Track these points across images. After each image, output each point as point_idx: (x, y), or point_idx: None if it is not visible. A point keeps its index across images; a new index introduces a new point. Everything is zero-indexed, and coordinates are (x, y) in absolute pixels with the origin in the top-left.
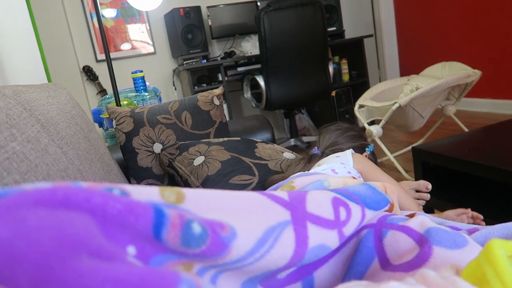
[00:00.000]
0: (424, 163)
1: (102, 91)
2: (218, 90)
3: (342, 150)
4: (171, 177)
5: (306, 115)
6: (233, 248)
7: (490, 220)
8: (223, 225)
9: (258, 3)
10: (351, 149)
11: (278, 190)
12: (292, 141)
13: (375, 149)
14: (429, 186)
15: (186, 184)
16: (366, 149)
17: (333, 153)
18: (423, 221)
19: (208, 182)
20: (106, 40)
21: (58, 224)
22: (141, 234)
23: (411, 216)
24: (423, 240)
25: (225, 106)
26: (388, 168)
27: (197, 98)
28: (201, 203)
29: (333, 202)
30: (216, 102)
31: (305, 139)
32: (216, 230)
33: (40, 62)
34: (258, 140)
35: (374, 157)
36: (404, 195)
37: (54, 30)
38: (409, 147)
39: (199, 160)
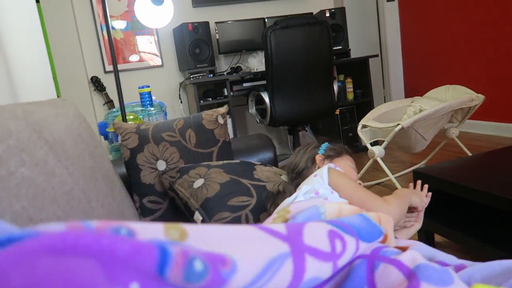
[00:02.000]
0: None
1: (109, 102)
2: (223, 109)
3: (302, 168)
4: (172, 199)
5: (310, 132)
6: (232, 283)
7: (490, 247)
8: (224, 259)
9: (266, 20)
10: (327, 165)
11: (274, 217)
12: None
13: (375, 167)
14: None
15: (186, 206)
16: (319, 151)
17: (297, 176)
18: (415, 257)
19: (207, 204)
20: (115, 55)
21: (66, 273)
22: (145, 272)
23: (404, 248)
24: (412, 275)
25: (229, 120)
26: (389, 188)
27: (202, 116)
28: (204, 238)
29: (329, 234)
30: (221, 120)
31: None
32: (217, 266)
33: (50, 74)
34: (257, 163)
35: (334, 152)
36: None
37: (64, 39)
38: (411, 168)
39: (198, 182)
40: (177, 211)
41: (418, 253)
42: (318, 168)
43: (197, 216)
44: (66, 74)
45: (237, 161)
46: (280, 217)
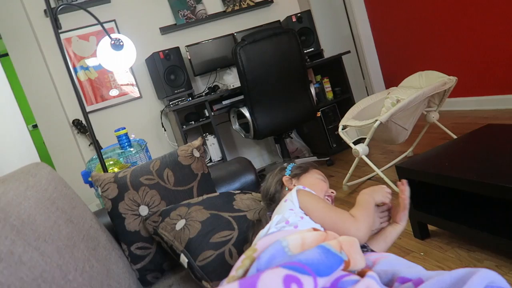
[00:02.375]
0: (409, 180)
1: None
2: (197, 142)
3: (273, 193)
4: (159, 243)
5: (296, 137)
6: None
7: (479, 231)
8: None
9: (235, 35)
10: (296, 188)
11: (242, 259)
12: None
13: (365, 162)
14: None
15: (171, 249)
16: (285, 173)
17: (271, 201)
18: (369, 285)
19: (190, 245)
20: (83, 102)
21: None
22: None
23: (364, 272)
24: None
25: (215, 140)
26: (380, 182)
27: (177, 153)
28: None
29: (285, 280)
30: (196, 154)
31: (298, 161)
32: None
33: (27, 134)
34: (236, 192)
35: (301, 170)
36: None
37: (40, 88)
38: (400, 157)
39: (180, 224)
40: (166, 254)
41: (373, 280)
42: (288, 189)
43: (183, 258)
44: (47, 121)
45: (217, 194)
46: (247, 257)
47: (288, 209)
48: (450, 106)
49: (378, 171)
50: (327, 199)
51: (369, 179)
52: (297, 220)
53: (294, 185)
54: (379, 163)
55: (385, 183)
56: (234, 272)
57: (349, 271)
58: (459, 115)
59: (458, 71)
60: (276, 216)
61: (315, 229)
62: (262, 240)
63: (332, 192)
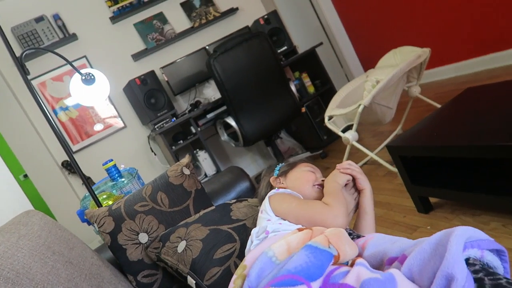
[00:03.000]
0: (402, 157)
1: (87, 179)
2: (186, 160)
3: (264, 195)
4: (164, 268)
5: (286, 136)
6: None
7: (480, 194)
8: None
9: (207, 48)
10: (267, 197)
11: (234, 279)
12: None
13: (357, 149)
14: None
15: (177, 273)
16: (274, 173)
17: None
18: (359, 274)
19: (195, 266)
20: (67, 145)
21: None
22: None
23: (353, 262)
24: None
25: (206, 155)
26: (376, 165)
27: (167, 174)
28: None
29: None
30: (186, 172)
31: (292, 159)
32: None
33: (17, 187)
34: (232, 201)
35: (288, 167)
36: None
37: (23, 138)
38: (391, 136)
39: (181, 246)
40: (174, 276)
41: (362, 267)
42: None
43: (190, 280)
44: (37, 168)
45: (213, 207)
46: (238, 277)
47: (266, 220)
48: (430, 78)
49: (371, 155)
50: (318, 187)
51: (364, 164)
52: (277, 227)
53: (282, 183)
54: (372, 146)
55: (380, 165)
56: None
57: (340, 264)
58: (440, 85)
59: (431, 41)
60: (254, 229)
61: (300, 229)
62: (249, 255)
63: (322, 180)
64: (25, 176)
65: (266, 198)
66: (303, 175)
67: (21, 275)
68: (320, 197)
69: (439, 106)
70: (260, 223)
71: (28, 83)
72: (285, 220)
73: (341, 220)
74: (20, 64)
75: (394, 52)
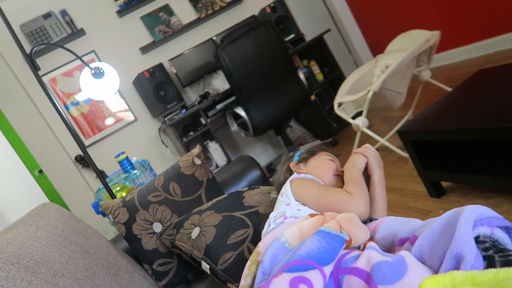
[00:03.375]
0: (413, 142)
1: (100, 172)
2: (196, 150)
3: (283, 181)
4: (179, 255)
5: (296, 125)
6: None
7: (492, 176)
8: None
9: (214, 38)
10: (288, 180)
11: (248, 265)
12: None
13: (368, 135)
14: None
15: (192, 258)
16: (294, 159)
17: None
18: (370, 257)
19: (209, 251)
20: (80, 140)
21: None
22: None
23: (364, 247)
24: (369, 280)
25: (217, 146)
26: (387, 151)
27: (179, 165)
28: None
29: (291, 284)
30: (197, 162)
31: (303, 147)
32: None
33: (31, 178)
34: (244, 189)
35: (308, 154)
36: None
37: (37, 134)
38: (402, 122)
39: (195, 232)
40: (188, 264)
41: (373, 251)
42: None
43: (204, 265)
44: (51, 163)
45: (225, 195)
46: (253, 263)
47: (285, 204)
48: (440, 61)
49: (382, 140)
50: (338, 177)
51: (376, 149)
52: (295, 212)
53: (302, 169)
54: (382, 132)
55: (391, 151)
56: (243, 281)
57: (352, 248)
58: (450, 68)
59: (440, 24)
60: (272, 213)
61: (312, 215)
62: (263, 241)
63: (341, 171)
64: (40, 171)
65: (288, 181)
66: (324, 163)
67: (40, 264)
68: (340, 186)
69: (450, 89)
70: (278, 207)
71: (39, 79)
72: (304, 206)
73: (363, 209)
74: (31, 60)
75: (403, 36)
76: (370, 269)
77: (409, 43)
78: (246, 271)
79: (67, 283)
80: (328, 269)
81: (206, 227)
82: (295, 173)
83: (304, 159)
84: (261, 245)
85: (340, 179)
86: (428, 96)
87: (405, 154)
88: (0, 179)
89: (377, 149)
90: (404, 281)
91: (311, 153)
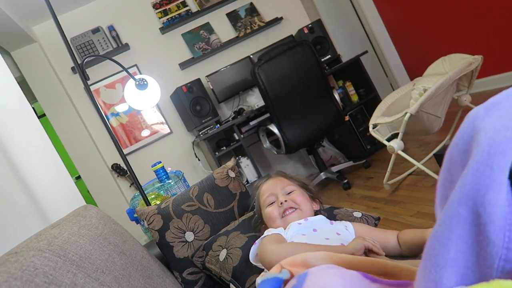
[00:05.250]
0: None
1: (133, 183)
2: (231, 163)
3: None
4: (209, 275)
5: (328, 145)
6: None
7: None
8: None
9: (251, 57)
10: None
11: None
12: (323, 175)
13: (403, 158)
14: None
15: (221, 280)
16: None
17: None
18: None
19: (236, 274)
20: (120, 146)
21: None
22: None
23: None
24: None
25: (248, 162)
26: (422, 175)
27: (213, 176)
28: None
29: None
30: (232, 174)
31: (334, 168)
32: None
33: (71, 182)
34: None
35: (257, 203)
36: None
37: (78, 141)
38: (439, 147)
39: (223, 254)
40: None
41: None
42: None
43: (232, 287)
44: (89, 170)
45: (251, 213)
46: None
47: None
48: (482, 87)
49: (418, 164)
50: (289, 211)
51: (410, 174)
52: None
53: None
54: (418, 157)
55: (427, 175)
56: None
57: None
58: (492, 94)
59: (483, 49)
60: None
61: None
62: None
63: (281, 203)
64: (77, 178)
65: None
66: (267, 216)
67: (84, 259)
68: (298, 217)
69: None
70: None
71: (87, 88)
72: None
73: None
74: (82, 70)
75: (443, 59)
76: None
77: (449, 66)
78: None
79: (107, 279)
80: None
81: (233, 249)
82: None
83: (260, 217)
84: None
85: (294, 213)
86: None
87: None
88: (45, 181)
89: (411, 174)
90: None
91: (257, 204)
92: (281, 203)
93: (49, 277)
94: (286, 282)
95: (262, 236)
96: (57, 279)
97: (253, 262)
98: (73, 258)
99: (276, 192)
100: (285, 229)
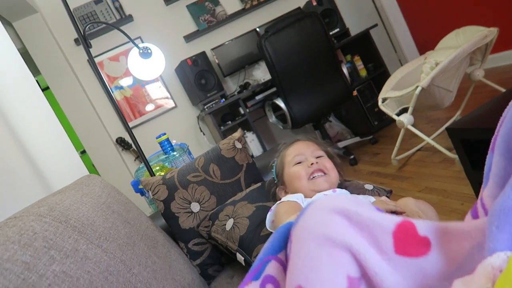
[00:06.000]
0: (464, 141)
1: (138, 157)
2: (238, 134)
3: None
4: (215, 245)
5: (335, 120)
6: None
7: None
8: None
9: (258, 30)
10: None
11: None
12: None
13: (412, 134)
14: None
15: (227, 250)
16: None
17: None
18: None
19: (243, 243)
20: (125, 118)
21: None
22: None
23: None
24: None
25: (254, 136)
26: (432, 151)
27: (220, 147)
28: None
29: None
30: (238, 145)
31: (341, 144)
32: None
33: (75, 153)
34: None
35: (280, 165)
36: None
37: (83, 115)
38: (448, 123)
39: (229, 223)
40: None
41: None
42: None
43: (239, 257)
44: (93, 144)
45: (259, 184)
46: None
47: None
48: (495, 62)
49: (428, 140)
50: (316, 175)
51: (418, 150)
52: None
53: (286, 192)
54: (427, 132)
55: (436, 151)
56: None
57: None
58: (506, 70)
59: (499, 21)
60: None
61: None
62: None
63: (312, 164)
64: (82, 152)
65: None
66: (293, 175)
67: (86, 226)
68: (322, 187)
69: (504, 90)
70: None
71: (90, 56)
72: None
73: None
74: (84, 37)
75: (456, 32)
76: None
77: (463, 39)
78: None
79: (110, 246)
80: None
81: (240, 219)
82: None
83: (280, 177)
84: None
85: (320, 178)
86: (479, 97)
87: (452, 155)
88: (50, 154)
89: (420, 149)
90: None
91: (281, 162)
92: (312, 164)
93: (49, 241)
94: None
95: (278, 202)
96: (57, 244)
97: (269, 229)
98: (74, 225)
99: (306, 153)
100: (305, 196)
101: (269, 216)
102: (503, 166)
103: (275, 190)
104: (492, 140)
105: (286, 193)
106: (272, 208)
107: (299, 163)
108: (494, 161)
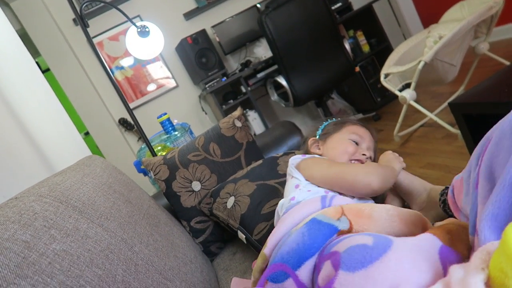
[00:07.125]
0: (466, 116)
1: (141, 137)
2: (237, 112)
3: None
4: (217, 223)
5: (338, 97)
6: None
7: None
8: None
9: (258, 6)
10: (291, 162)
11: (254, 267)
12: None
13: (415, 110)
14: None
15: (229, 227)
16: (317, 132)
17: None
18: (351, 240)
19: (244, 221)
20: (125, 99)
21: None
22: None
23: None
24: (336, 265)
25: (256, 115)
26: (434, 127)
27: (219, 126)
28: None
29: None
30: (238, 124)
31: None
32: None
33: (77, 134)
34: (279, 155)
35: (332, 128)
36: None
37: (84, 96)
38: (452, 98)
39: (230, 201)
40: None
41: (359, 236)
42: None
43: (240, 234)
44: (96, 125)
45: (260, 162)
46: (260, 256)
47: (294, 187)
48: (500, 35)
49: (430, 115)
50: (355, 162)
51: (421, 126)
52: (304, 194)
53: (319, 149)
54: (430, 108)
55: (438, 127)
56: (252, 277)
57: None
58: (510, 43)
59: None
60: (281, 201)
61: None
62: (269, 242)
63: (363, 154)
64: (85, 134)
65: (291, 166)
66: (342, 145)
67: (87, 205)
68: None
69: (508, 63)
70: (288, 193)
71: (88, 36)
72: (314, 185)
73: (374, 178)
74: (80, 16)
75: (461, 4)
76: (343, 252)
77: (468, 12)
78: (254, 266)
79: (111, 225)
80: (304, 270)
81: (241, 197)
82: (308, 152)
83: (325, 135)
84: (269, 237)
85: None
86: (483, 71)
87: (455, 130)
88: (52, 136)
89: (423, 125)
90: (368, 270)
91: (336, 127)
92: (363, 154)
93: (49, 221)
94: (341, 233)
95: (309, 156)
96: (58, 223)
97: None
98: (75, 204)
99: (364, 142)
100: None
101: (292, 165)
102: (488, 189)
103: (306, 140)
104: (474, 179)
105: (319, 149)
106: (296, 157)
107: (353, 143)
108: (480, 186)
